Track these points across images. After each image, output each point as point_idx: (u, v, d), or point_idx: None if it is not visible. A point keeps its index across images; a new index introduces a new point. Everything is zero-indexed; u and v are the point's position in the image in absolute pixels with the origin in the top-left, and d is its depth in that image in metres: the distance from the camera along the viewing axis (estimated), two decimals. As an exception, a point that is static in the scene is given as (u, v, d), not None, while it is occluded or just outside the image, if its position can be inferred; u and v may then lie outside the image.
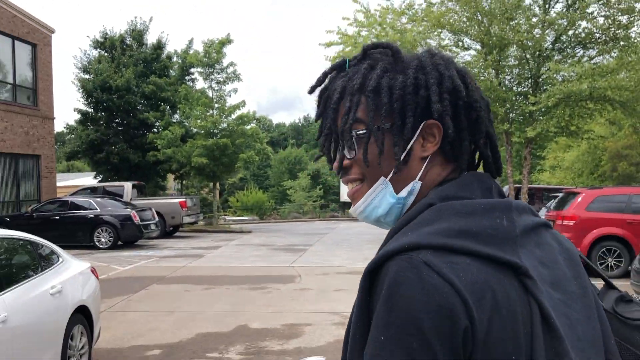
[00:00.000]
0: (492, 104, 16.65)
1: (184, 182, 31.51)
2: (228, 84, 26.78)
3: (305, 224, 32.86)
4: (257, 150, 26.49)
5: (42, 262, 5.55)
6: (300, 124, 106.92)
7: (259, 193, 50.04)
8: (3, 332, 4.42)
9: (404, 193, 1.07)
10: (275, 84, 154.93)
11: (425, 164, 1.07)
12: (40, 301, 5.10)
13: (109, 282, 11.66)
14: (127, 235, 18.42)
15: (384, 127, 1.05)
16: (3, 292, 4.64)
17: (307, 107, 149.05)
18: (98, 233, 18.20)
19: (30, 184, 23.63)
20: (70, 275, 5.85)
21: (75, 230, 17.97)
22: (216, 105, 26.77)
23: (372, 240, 21.03)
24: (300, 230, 26.64)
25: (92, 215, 18.37)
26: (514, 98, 17.30)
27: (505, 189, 18.91)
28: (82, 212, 18.54)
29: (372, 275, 0.93)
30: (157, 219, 19.85)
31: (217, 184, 29.56)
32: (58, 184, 26.95)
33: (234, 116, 26.46)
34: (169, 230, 22.47)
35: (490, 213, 0.98)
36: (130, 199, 21.54)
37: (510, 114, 17.85)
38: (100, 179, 30.01)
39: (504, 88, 17.50)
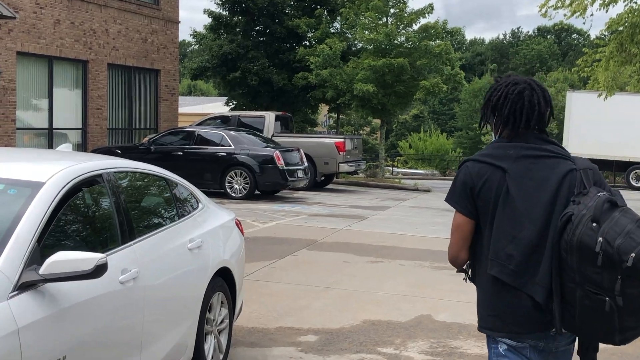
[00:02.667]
0: None
1: (340, 116, 32.14)
2: (411, -21, 26.71)
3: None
4: (446, 77, 26.34)
5: (178, 206, 5.93)
6: (505, 42, 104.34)
7: (440, 137, 50.08)
8: (134, 292, 4.76)
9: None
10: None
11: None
12: (177, 257, 5.46)
13: (245, 242, 12.30)
14: (268, 183, 19.27)
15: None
16: (134, 241, 5.00)
17: (519, 16, 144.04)
18: (231, 177, 19.22)
19: (146, 107, 25.32)
20: (212, 227, 6.21)
21: (201, 172, 19.01)
22: (392, 10, 26.87)
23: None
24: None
25: (225, 154, 19.35)
26: None
27: None
28: (212, 148, 19.59)
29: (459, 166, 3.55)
30: (306, 163, 20.49)
31: (385, 122, 29.83)
32: (179, 110, 28.60)
33: (415, 27, 26.41)
34: (320, 179, 23.14)
35: (505, 149, 3.38)
36: (273, 135, 22.38)
37: None
38: (232, 105, 31.39)
39: None
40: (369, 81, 25.09)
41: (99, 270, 4.04)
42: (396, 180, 28.92)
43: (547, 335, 3.36)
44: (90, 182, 4.81)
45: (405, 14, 26.46)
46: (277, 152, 19.26)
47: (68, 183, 4.52)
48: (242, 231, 6.94)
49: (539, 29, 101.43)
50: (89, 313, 4.34)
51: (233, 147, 19.49)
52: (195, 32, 32.50)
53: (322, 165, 22.47)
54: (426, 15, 26.29)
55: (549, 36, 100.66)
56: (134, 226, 5.10)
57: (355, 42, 28.20)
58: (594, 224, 3.01)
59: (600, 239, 2.95)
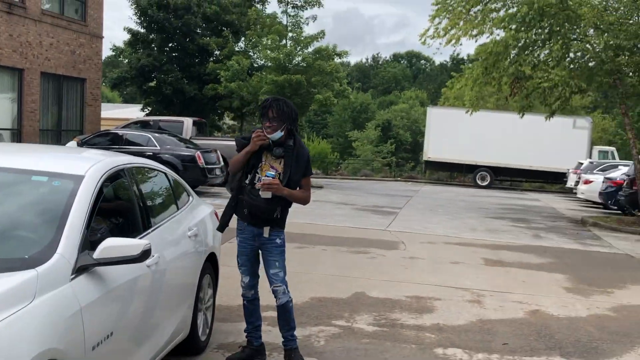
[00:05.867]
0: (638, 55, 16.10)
1: (242, 123, 31.80)
2: (306, 9, 26.67)
3: (378, 184, 33.01)
4: (336, 92, 26.41)
5: (176, 198, 5.68)
6: (367, 64, 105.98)
7: (322, 143, 50.18)
8: (156, 275, 4.55)
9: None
10: (342, 11, 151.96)
11: None
12: (182, 244, 5.25)
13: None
14: (190, 179, 18.59)
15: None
16: (152, 228, 4.76)
17: (379, 44, 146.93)
18: (157, 174, 18.58)
19: (73, 111, 24.30)
20: (201, 217, 6.00)
21: (130, 170, 18.33)
22: (290, 34, 26.74)
23: (470, 208, 20.96)
24: (377, 190, 26.80)
25: (150, 154, 18.69)
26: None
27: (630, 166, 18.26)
28: (139, 148, 18.92)
29: None
30: (222, 163, 20.16)
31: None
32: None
33: (310, 49, 26.43)
34: (231, 177, 22.74)
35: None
36: (190, 138, 21.90)
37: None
38: (147, 111, 30.50)
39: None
40: (272, 93, 24.86)
41: (145, 255, 3.86)
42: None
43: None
44: (116, 176, 4.55)
45: (302, 38, 26.37)
46: (199, 152, 18.83)
47: (102, 175, 4.29)
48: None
49: (394, 55, 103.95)
50: (128, 294, 4.16)
51: (158, 147, 18.90)
52: (115, 46, 31.46)
53: (234, 164, 22.09)
54: (319, 39, 26.34)
55: (402, 61, 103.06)
56: (149, 215, 4.85)
57: (257, 59, 27.90)
58: None
59: None
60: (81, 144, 19.35)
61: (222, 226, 5.54)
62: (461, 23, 18.09)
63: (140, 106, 32.70)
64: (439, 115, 35.53)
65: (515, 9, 17.44)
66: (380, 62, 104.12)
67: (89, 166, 4.26)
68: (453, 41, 17.97)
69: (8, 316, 3.02)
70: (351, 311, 7.47)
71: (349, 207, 18.48)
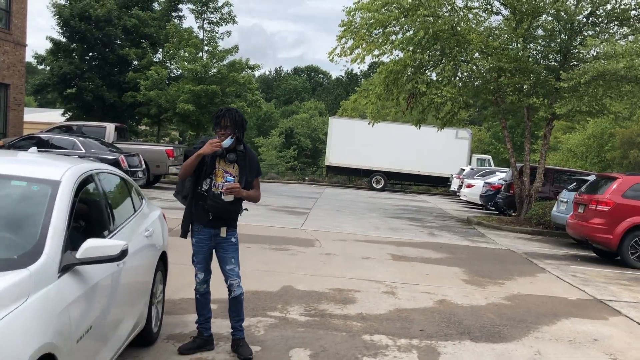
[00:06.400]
0: (518, 76, 16.95)
1: (159, 129, 31.17)
2: (221, 25, 26.50)
3: (285, 186, 33.07)
4: (249, 101, 26.33)
5: (133, 201, 5.59)
6: (270, 77, 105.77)
7: (230, 148, 49.84)
8: (123, 273, 4.47)
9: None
10: (247, 27, 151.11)
11: None
12: (141, 243, 5.15)
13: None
14: (114, 182, 18.24)
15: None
16: (117, 229, 4.70)
17: (281, 58, 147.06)
18: (83, 177, 17.96)
19: (-3, 115, 23.15)
20: (154, 218, 5.91)
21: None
22: (206, 47, 26.44)
23: (371, 209, 21.38)
24: (285, 192, 26.86)
25: (77, 157, 18.11)
26: (542, 72, 17.58)
27: (519, 166, 19.31)
28: (65, 152, 18.21)
29: None
30: (144, 166, 19.69)
31: (201, 134, 29.37)
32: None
33: (225, 62, 26.21)
34: (151, 179, 22.31)
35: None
36: (112, 142, 21.29)
37: (534, 88, 18.13)
38: (68, 116, 29.41)
39: (531, 59, 17.78)
40: (189, 102, 24.58)
41: (123, 254, 3.84)
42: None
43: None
44: (87, 181, 4.46)
45: (217, 51, 26.20)
46: (122, 156, 18.32)
47: (76, 180, 4.21)
48: (166, 222, 6.62)
49: (294, 68, 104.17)
50: (103, 291, 4.09)
51: (84, 151, 18.26)
52: (37, 54, 30.07)
53: (154, 167, 21.59)
54: (233, 53, 26.23)
55: (302, 74, 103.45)
56: (115, 217, 4.77)
57: (175, 70, 27.46)
58: None
59: None
60: (7, 147, 18.42)
61: (185, 232, 5.47)
62: (364, 44, 18.44)
63: (60, 111, 31.56)
64: (340, 125, 36.02)
65: (412, 32, 17.97)
66: (282, 75, 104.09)
67: (63, 172, 4.17)
68: (358, 60, 18.32)
69: (8, 313, 2.96)
70: (283, 303, 7.54)
71: (264, 208, 18.47)
